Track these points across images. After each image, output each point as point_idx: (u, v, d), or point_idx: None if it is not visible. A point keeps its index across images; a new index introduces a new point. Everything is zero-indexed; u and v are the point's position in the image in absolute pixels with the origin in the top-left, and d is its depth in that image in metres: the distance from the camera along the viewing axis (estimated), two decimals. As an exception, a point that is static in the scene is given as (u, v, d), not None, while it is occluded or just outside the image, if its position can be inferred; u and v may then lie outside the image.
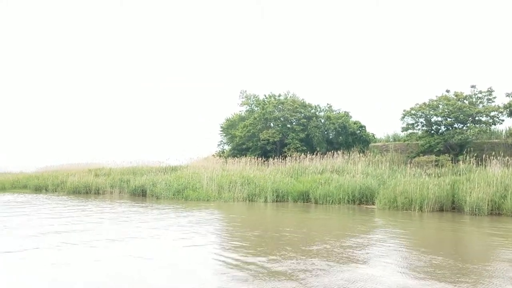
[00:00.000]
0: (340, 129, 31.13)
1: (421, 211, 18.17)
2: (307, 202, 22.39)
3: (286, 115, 32.47)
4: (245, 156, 31.65)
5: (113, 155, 78.86)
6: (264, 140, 31.73)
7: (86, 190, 30.29)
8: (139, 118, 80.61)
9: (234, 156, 32.77)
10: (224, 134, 38.24)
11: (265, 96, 35.62)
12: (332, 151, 28.89)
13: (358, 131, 31.82)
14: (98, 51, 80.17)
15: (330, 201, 21.42)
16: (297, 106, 32.55)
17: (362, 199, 21.57)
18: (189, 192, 24.51)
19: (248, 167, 28.05)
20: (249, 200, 23.47)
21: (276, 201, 23.08)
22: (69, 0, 76.52)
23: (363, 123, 32.22)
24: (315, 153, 28.90)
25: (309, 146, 31.49)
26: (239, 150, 33.82)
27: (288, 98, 35.08)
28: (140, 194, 27.53)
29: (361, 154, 28.36)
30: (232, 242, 11.05)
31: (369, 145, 31.82)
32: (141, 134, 76.88)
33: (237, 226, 14.34)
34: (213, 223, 15.00)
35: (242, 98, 38.28)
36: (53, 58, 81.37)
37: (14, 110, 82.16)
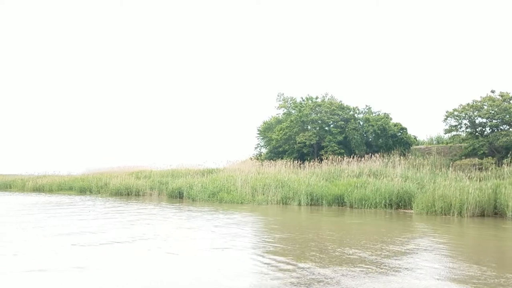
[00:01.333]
0: (379, 132, 30.32)
1: (461, 216, 17.30)
2: (342, 206, 21.93)
3: (323, 117, 32.01)
4: (282, 159, 31.48)
5: (155, 158, 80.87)
6: (301, 143, 31.44)
7: (127, 192, 31.19)
8: (181, 121, 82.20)
9: (270, 159, 32.68)
10: (262, 137, 38.21)
11: (302, 98, 35.32)
12: (370, 154, 28.17)
13: (399, 134, 30.86)
14: (131, 51, 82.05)
15: (366, 205, 20.86)
16: (335, 108, 32.03)
17: (400, 204, 20.87)
18: (224, 195, 24.65)
19: (284, 170, 27.84)
20: (282, 203, 23.28)
21: (310, 205, 22.75)
22: (69, 0, 78.24)
23: (404, 125, 31.24)
24: (352, 156, 28.28)
25: (347, 149, 30.89)
26: (276, 153, 33.70)
27: (326, 100, 34.62)
28: (177, 196, 28.01)
29: (401, 157, 27.49)
30: (269, 245, 10.70)
31: (411, 148, 30.78)
32: (183, 137, 78.35)
33: (273, 229, 14.15)
34: (249, 225, 14.81)
35: (279, 101, 38.16)
36: (79, 59, 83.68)
37: (58, 115, 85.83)
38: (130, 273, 7.79)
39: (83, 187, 35.11)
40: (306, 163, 29.47)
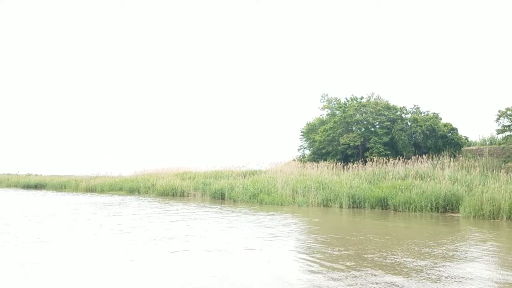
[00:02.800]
0: (428, 132, 29.13)
1: (510, 220, 16.21)
2: (385, 209, 21.22)
3: (369, 118, 31.20)
4: (325, 160, 30.98)
5: (200, 160, 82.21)
6: (345, 145, 30.81)
7: (172, 192, 31.89)
8: (227, 124, 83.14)
9: (313, 161, 32.27)
10: (305, 139, 37.85)
11: (346, 99, 34.63)
12: (417, 156, 27.10)
13: (449, 134, 29.52)
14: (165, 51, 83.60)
15: (411, 209, 20.05)
16: (381, 108, 31.14)
17: (447, 207, 19.90)
18: (264, 196, 24.59)
19: (326, 172, 27.37)
20: (323, 205, 22.87)
21: (352, 207, 22.20)
22: (69, 0, 79.49)
23: (454, 126, 29.86)
24: (398, 158, 27.32)
25: (393, 150, 29.93)
26: (319, 154, 33.23)
27: (372, 100, 33.73)
28: (219, 197, 28.29)
29: (451, 159, 26.24)
30: (311, 246, 10.59)
31: (462, 149, 29.32)
32: (228, 139, 79.20)
33: (315, 230, 13.97)
34: (290, 226, 14.54)
35: (323, 101, 37.63)
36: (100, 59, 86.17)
37: (111, 120, 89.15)
38: (198, 267, 8.22)
39: (132, 188, 36.27)
40: (350, 165, 28.83)
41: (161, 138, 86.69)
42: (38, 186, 49.53)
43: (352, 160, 30.22)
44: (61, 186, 45.64)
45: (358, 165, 28.13)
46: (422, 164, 25.30)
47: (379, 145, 29.73)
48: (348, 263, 8.54)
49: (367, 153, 30.02)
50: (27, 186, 50.11)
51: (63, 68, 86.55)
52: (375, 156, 28.79)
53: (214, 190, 28.85)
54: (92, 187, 41.00)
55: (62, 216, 17.14)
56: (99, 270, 7.84)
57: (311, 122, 38.30)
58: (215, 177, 32.14)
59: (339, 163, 29.62)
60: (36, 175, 60.39)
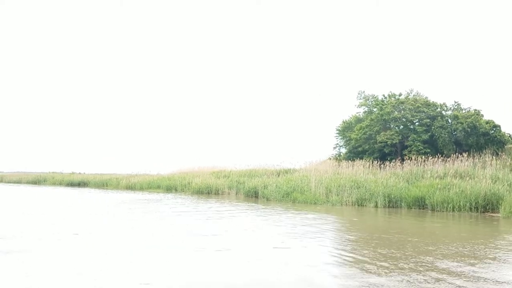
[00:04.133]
0: (469, 129, 27.93)
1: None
2: (422, 209, 20.53)
3: (407, 115, 30.30)
4: (362, 159, 30.34)
5: (235, 159, 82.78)
6: (382, 143, 30.06)
7: (207, 190, 32.23)
8: (263, 122, 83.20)
9: (350, 159, 31.68)
10: (341, 137, 37.20)
11: (384, 96, 33.75)
12: (457, 154, 26.05)
13: (492, 132, 28.18)
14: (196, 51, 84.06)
15: (449, 208, 19.29)
16: (420, 105, 30.18)
17: (487, 207, 19.02)
18: (297, 195, 24.37)
19: (362, 171, 26.79)
20: (358, 205, 22.39)
21: (388, 207, 21.61)
22: (69, 0, 79.95)
23: (497, 123, 28.47)
24: (438, 156, 26.36)
25: (433, 148, 28.93)
26: (355, 153, 32.59)
27: (410, 97, 32.73)
28: (253, 196, 28.31)
29: (494, 157, 25.06)
30: (346, 245, 10.46)
31: (505, 146, 27.93)
32: (263, 138, 79.23)
33: (350, 229, 13.74)
34: (324, 225, 14.30)
35: (360, 99, 36.76)
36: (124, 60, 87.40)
37: (148, 120, 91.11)
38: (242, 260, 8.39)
39: (169, 186, 36.96)
40: (387, 163, 28.10)
41: (198, 137, 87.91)
42: (81, 184, 51.35)
43: (389, 159, 29.45)
44: (103, 184, 47.12)
45: (396, 164, 27.39)
46: (463, 163, 24.30)
47: (418, 143, 28.83)
48: (385, 264, 8.26)
49: (406, 151, 29.18)
50: (71, 184, 52.05)
51: (89, 69, 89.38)
52: (413, 154, 27.94)
53: (247, 188, 28.90)
54: (132, 185, 42.09)
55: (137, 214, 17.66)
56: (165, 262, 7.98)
57: (347, 120, 37.61)
58: (249, 175, 32.21)
59: (376, 161, 28.93)
60: (80, 173, 62.71)
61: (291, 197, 24.66)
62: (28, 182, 59.15)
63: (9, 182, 62.04)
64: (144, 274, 7.35)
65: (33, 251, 9.24)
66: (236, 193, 30.61)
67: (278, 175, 29.95)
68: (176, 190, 36.00)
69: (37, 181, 58.55)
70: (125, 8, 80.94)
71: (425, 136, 29.07)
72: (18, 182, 60.68)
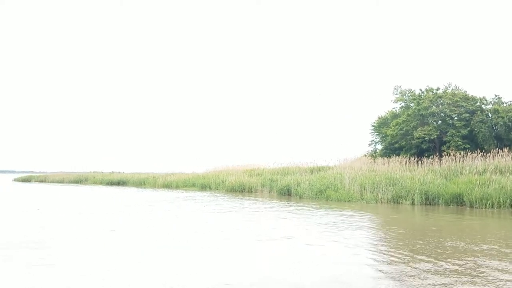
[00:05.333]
0: (510, 124, 26.71)
1: None
2: (460, 206, 19.76)
3: (445, 110, 29.31)
4: (398, 156, 29.57)
5: (268, 157, 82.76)
6: (419, 138, 29.21)
7: (241, 188, 32.33)
8: (296, 120, 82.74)
9: (386, 156, 30.94)
10: (376, 133, 36.40)
11: (421, 90, 32.74)
12: (497, 149, 24.91)
13: (536, 125, 26.81)
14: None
15: (488, 205, 18.49)
16: (458, 99, 29.11)
17: (531, 204, 18.08)
18: (330, 193, 23.99)
19: (398, 168, 26.08)
20: (393, 202, 21.81)
21: (425, 204, 20.93)
22: (69, 0, 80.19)
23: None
24: (477, 152, 25.31)
25: (473, 143, 27.86)
26: (392, 149, 31.81)
27: (448, 91, 31.59)
28: (286, 193, 28.14)
29: (539, 152, 23.82)
30: (386, 245, 10.17)
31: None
32: (297, 136, 78.80)
33: (385, 227, 13.41)
34: (360, 223, 14.02)
35: (396, 94, 35.78)
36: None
37: (185, 121, 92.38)
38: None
39: (204, 184, 37.33)
40: (425, 159, 27.23)
41: (232, 136, 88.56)
42: (120, 182, 52.66)
43: (427, 155, 28.55)
44: (141, 182, 48.15)
45: (434, 160, 26.50)
46: (503, 158, 23.21)
47: (457, 138, 27.83)
48: (424, 265, 7.93)
49: (444, 147, 28.24)
50: (111, 183, 53.48)
51: (118, 70, 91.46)
52: (452, 150, 26.99)
53: (280, 186, 28.76)
54: (168, 183, 42.80)
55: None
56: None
57: (382, 115, 36.78)
58: (282, 173, 32.06)
59: (413, 158, 28.11)
60: (119, 172, 64.34)
61: (324, 195, 24.32)
62: (70, 182, 61.19)
63: (52, 181, 64.38)
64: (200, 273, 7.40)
65: (76, 246, 9.51)
66: (269, 191, 30.53)
67: (311, 173, 29.62)
68: (210, 188, 36.31)
69: (79, 180, 60.46)
70: (125, 8, 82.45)
71: (464, 131, 28.05)
72: (61, 181, 62.86)
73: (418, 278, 6.96)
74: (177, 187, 41.00)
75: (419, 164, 26.57)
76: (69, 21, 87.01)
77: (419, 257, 8.57)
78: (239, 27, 78.30)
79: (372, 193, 22.72)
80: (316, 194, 24.94)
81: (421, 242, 10.37)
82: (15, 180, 72.12)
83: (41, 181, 65.95)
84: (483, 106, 29.01)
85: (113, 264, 7.95)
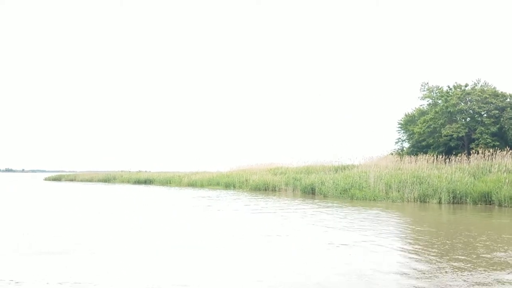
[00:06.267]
0: (543, 120, 25.82)
1: None
2: (489, 205, 19.23)
3: (474, 107, 28.57)
4: (426, 153, 28.98)
5: (292, 155, 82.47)
6: (447, 136, 28.58)
7: (264, 187, 32.33)
8: (320, 118, 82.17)
9: (413, 154, 30.38)
10: (403, 131, 35.78)
11: (449, 87, 32.02)
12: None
13: None
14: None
15: (518, 204, 17.94)
16: (487, 96, 28.33)
17: None
18: (355, 191, 23.72)
19: (425, 166, 25.55)
20: (420, 201, 21.40)
21: (452, 203, 20.45)
22: (69, 0, 79.92)
23: None
24: (507, 149, 24.55)
25: (502, 141, 27.07)
26: (419, 147, 31.24)
27: (477, 87, 30.77)
28: (310, 192, 27.98)
29: None
30: (414, 245, 9.90)
31: None
32: (321, 134, 78.24)
33: (413, 226, 13.17)
34: (386, 222, 13.81)
35: (423, 91, 35.06)
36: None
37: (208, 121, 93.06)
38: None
39: (228, 183, 37.51)
40: (453, 158, 26.61)
41: (256, 135, 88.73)
42: (147, 181, 53.50)
43: (455, 153, 27.90)
44: (167, 181, 48.79)
45: (462, 158, 25.87)
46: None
47: (486, 136, 27.12)
48: (455, 264, 7.79)
49: (473, 145, 27.58)
50: (138, 182, 54.39)
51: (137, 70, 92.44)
52: (481, 147, 26.32)
53: (304, 185, 28.61)
54: (193, 182, 43.20)
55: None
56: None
57: (409, 113, 36.13)
58: (306, 172, 31.89)
59: (441, 156, 27.51)
60: (146, 171, 65.43)
61: (349, 194, 24.07)
62: (99, 180, 62.55)
63: (81, 180, 65.94)
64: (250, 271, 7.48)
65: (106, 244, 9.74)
66: (293, 190, 30.42)
67: (336, 172, 29.35)
68: (234, 187, 36.45)
69: (107, 179, 61.73)
70: (125, 8, 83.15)
71: (493, 129, 27.32)
72: (90, 180, 64.30)
73: (448, 277, 6.80)
74: (202, 185, 41.34)
75: (447, 162, 25.99)
76: (69, 21, 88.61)
77: (448, 256, 8.38)
78: (242, 26, 78.40)
79: (398, 191, 22.35)
80: (340, 193, 24.71)
81: (449, 241, 10.14)
82: (45, 179, 74.16)
83: (71, 180, 67.63)
84: (513, 102, 28.15)
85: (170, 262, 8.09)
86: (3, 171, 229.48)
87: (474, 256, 8.36)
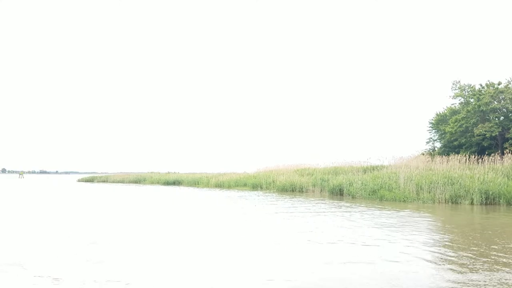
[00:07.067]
0: None
1: None
2: (524, 206, 18.60)
3: (507, 105, 27.71)
4: (458, 153, 28.27)
5: (320, 156, 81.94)
6: (480, 136, 27.82)
7: (291, 188, 32.23)
8: (350, 118, 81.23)
9: (445, 154, 29.70)
10: (434, 131, 35.02)
11: (481, 85, 31.12)
12: None
13: None
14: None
15: (557, 206, 17.26)
16: (522, 93, 27.39)
17: None
18: (385, 192, 23.35)
19: (457, 166, 24.92)
20: (451, 202, 20.88)
21: (485, 204, 19.87)
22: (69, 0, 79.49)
23: None
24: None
25: (539, 140, 26.11)
26: (451, 147, 30.53)
27: (511, 85, 29.80)
28: (337, 193, 27.70)
29: None
30: (446, 247, 9.57)
31: None
32: (350, 134, 77.34)
33: (446, 228, 12.88)
34: (419, 224, 13.52)
35: (455, 89, 34.23)
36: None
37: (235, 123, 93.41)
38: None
39: (255, 184, 37.57)
40: (485, 158, 25.85)
41: (283, 136, 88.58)
42: (176, 182, 54.20)
43: (488, 153, 27.11)
44: (195, 182, 49.29)
45: (495, 158, 25.11)
46: None
47: (521, 135, 26.22)
48: (489, 266, 7.60)
49: (506, 144, 26.75)
50: (167, 183, 55.17)
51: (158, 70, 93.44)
52: (516, 147, 25.47)
53: (332, 186, 28.35)
54: (221, 183, 43.48)
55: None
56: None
57: (441, 112, 35.34)
58: (334, 172, 31.60)
59: (473, 156, 26.78)
60: (174, 172, 66.27)
61: (378, 195, 23.71)
62: (130, 182, 63.76)
63: (113, 181, 67.40)
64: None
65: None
66: (321, 191, 30.20)
67: (364, 172, 28.98)
68: (261, 187, 36.48)
69: (138, 180, 62.88)
70: (125, 8, 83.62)
71: (529, 127, 26.38)
72: (122, 181, 65.65)
73: (482, 280, 6.62)
74: (229, 186, 41.56)
75: (480, 163, 25.28)
76: (70, 20, 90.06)
77: (484, 259, 8.12)
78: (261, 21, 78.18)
79: (429, 192, 21.88)
80: (369, 194, 24.37)
81: (485, 244, 9.84)
82: (79, 180, 76.16)
83: (103, 181, 69.22)
84: (551, 100, 27.14)
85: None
86: (38, 172, 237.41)
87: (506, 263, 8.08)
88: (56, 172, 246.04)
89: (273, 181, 34.96)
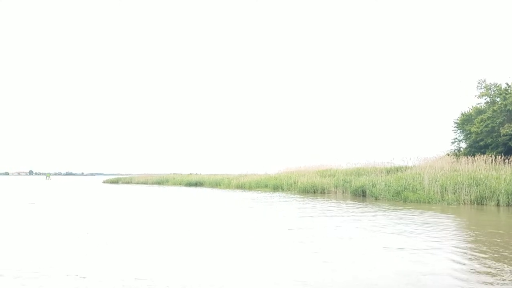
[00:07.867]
0: None
1: None
2: (554, 208, 18.06)
3: (536, 104, 26.92)
4: (484, 154, 27.65)
5: (342, 157, 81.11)
6: (506, 135, 27.12)
7: (313, 189, 32.06)
8: (373, 118, 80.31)
9: (470, 155, 29.09)
10: (460, 131, 34.31)
11: (508, 84, 30.36)
12: None
13: None
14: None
15: None
16: (551, 92, 26.61)
17: None
18: (408, 194, 23.01)
19: (483, 167, 24.38)
20: (477, 203, 20.44)
21: (512, 206, 19.40)
22: (69, 0, 78.90)
23: None
24: None
25: None
26: (476, 147, 29.86)
27: (540, 83, 28.99)
28: (360, 195, 27.44)
29: None
30: (474, 251, 9.27)
31: None
32: (373, 135, 76.44)
33: (476, 232, 12.61)
34: (444, 226, 13.27)
35: (481, 88, 33.47)
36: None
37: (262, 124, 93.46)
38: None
39: (276, 185, 37.51)
40: (513, 158, 25.21)
41: (305, 137, 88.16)
42: (197, 184, 54.60)
43: (516, 153, 26.42)
44: (216, 183, 49.57)
45: (523, 159, 24.46)
46: None
47: (550, 135, 25.46)
48: None
49: (535, 144, 25.96)
50: (189, 184, 55.62)
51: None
52: (545, 147, 24.74)
53: (354, 187, 28.10)
54: (242, 184, 43.59)
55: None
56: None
57: (466, 112, 34.60)
58: (356, 174, 31.29)
59: (500, 156, 26.16)
60: (196, 174, 66.77)
61: (401, 196, 23.37)
62: (153, 183, 64.54)
63: (137, 183, 68.34)
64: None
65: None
66: (343, 192, 29.96)
67: (388, 173, 28.60)
68: (282, 189, 36.41)
69: (161, 181, 63.60)
70: (125, 8, 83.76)
71: (558, 127, 25.59)
72: (145, 182, 66.51)
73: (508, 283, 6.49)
74: (250, 188, 41.61)
75: (506, 163, 24.68)
76: (70, 20, 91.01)
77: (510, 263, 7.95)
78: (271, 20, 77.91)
79: (454, 194, 21.47)
80: (392, 196, 24.05)
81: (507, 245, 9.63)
82: (104, 182, 77.48)
83: (127, 183, 70.28)
84: None
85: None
86: (64, 174, 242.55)
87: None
88: (82, 174, 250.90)
89: (295, 183, 34.85)
